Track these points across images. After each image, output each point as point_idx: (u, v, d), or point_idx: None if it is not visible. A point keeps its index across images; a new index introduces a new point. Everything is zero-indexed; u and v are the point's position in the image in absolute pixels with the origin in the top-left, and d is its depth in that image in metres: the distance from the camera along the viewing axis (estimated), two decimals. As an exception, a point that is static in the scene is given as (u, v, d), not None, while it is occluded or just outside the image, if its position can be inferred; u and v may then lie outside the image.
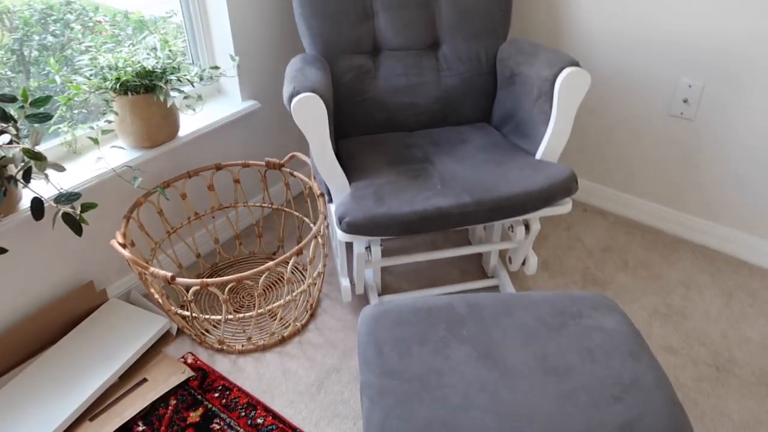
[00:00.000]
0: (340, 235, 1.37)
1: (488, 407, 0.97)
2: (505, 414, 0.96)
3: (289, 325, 1.63)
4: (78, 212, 1.33)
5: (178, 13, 1.75)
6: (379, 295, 1.74)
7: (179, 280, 1.33)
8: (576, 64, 1.42)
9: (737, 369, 1.52)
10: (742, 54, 1.63)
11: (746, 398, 1.44)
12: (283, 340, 1.61)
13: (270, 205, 1.83)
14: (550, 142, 1.49)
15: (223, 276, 1.82)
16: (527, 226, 1.57)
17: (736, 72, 1.67)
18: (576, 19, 1.88)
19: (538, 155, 1.52)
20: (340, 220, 1.33)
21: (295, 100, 1.31)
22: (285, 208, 1.84)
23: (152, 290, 1.45)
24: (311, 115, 1.33)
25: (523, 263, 1.72)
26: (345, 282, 1.67)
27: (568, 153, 2.14)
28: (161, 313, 1.59)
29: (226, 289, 1.38)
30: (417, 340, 1.11)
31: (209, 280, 1.32)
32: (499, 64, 1.70)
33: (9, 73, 1.63)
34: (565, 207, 1.46)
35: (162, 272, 1.32)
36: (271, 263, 1.36)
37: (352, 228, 1.32)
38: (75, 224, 1.32)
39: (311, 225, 1.82)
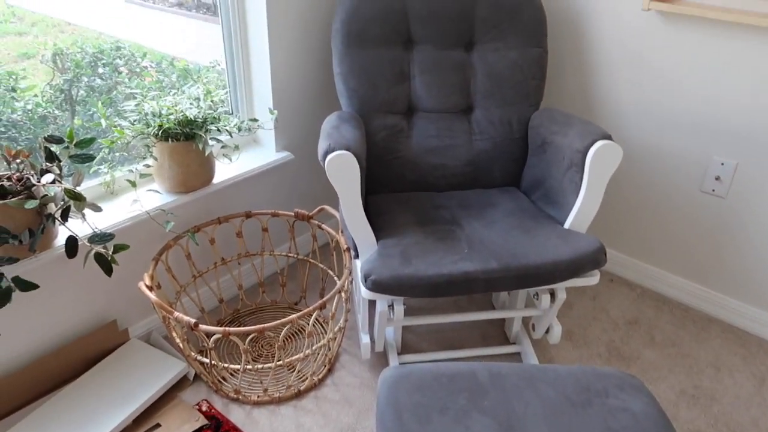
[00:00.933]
0: (364, 293, 1.37)
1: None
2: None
3: (306, 378, 1.61)
4: (110, 253, 1.36)
5: (221, 63, 1.82)
6: (398, 354, 1.72)
7: (202, 327, 1.33)
8: (608, 137, 1.43)
9: (769, 460, 1.45)
10: (777, 135, 1.63)
11: (779, 493, 1.37)
12: (299, 394, 1.59)
13: (296, 255, 1.84)
14: (580, 213, 1.48)
15: (244, 323, 1.82)
16: (553, 295, 1.55)
17: (771, 152, 1.66)
18: (607, 90, 1.90)
19: (567, 224, 1.51)
20: (365, 278, 1.33)
21: (329, 156, 1.34)
22: (310, 259, 1.85)
23: (174, 334, 1.46)
24: (344, 172, 1.35)
25: (547, 331, 1.69)
26: (365, 339, 1.65)
27: (598, 221, 2.12)
28: (180, 357, 1.59)
29: (248, 339, 1.37)
30: (437, 408, 1.08)
31: (231, 329, 1.32)
32: (530, 131, 1.72)
33: (56, 111, 1.70)
34: (592, 279, 1.44)
35: (186, 318, 1.33)
36: (293, 316, 1.36)
37: (377, 286, 1.32)
38: (106, 265, 1.34)
39: (335, 278, 1.82)
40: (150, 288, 1.42)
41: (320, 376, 1.64)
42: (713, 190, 1.79)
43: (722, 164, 1.74)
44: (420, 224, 1.53)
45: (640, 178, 1.95)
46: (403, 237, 1.46)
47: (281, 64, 1.77)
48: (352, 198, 1.38)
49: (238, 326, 1.82)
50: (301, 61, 1.83)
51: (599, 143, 1.42)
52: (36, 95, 1.64)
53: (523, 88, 1.73)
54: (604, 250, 1.40)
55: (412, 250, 1.39)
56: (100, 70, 1.76)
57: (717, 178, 1.77)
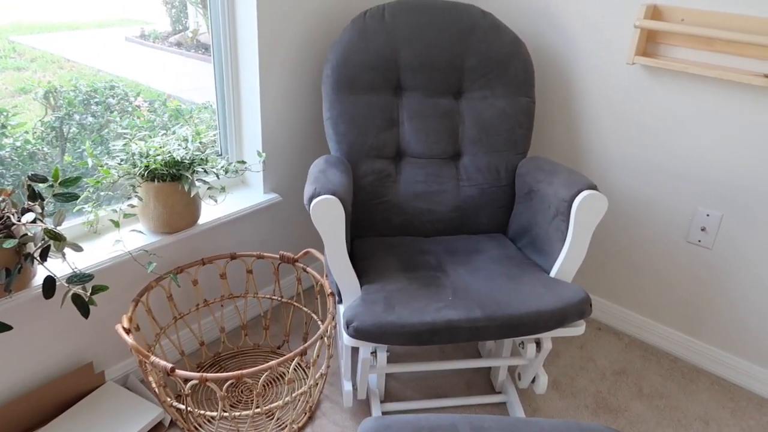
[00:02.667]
0: (346, 339, 1.34)
1: None
2: None
3: (286, 427, 1.57)
4: (88, 294, 1.33)
5: (213, 104, 1.84)
6: (381, 401, 1.68)
7: (179, 372, 1.30)
8: (594, 187, 1.44)
9: None
10: (755, 188, 1.65)
11: None
12: (278, 443, 1.54)
13: (280, 298, 1.82)
14: (565, 262, 1.48)
15: (224, 367, 1.78)
16: (538, 344, 1.53)
17: (751, 205, 1.67)
18: (593, 141, 1.93)
19: (553, 273, 1.51)
20: (347, 324, 1.31)
21: (315, 201, 1.33)
22: (294, 303, 1.82)
23: (150, 379, 1.42)
24: (329, 217, 1.34)
25: (533, 381, 1.66)
26: (347, 386, 1.62)
27: (585, 268, 2.12)
28: (156, 402, 1.55)
29: (225, 386, 1.34)
30: (416, 463, 1.05)
31: (208, 375, 1.29)
32: (518, 178, 1.73)
33: (46, 148, 1.70)
34: (577, 329, 1.42)
35: (162, 363, 1.30)
36: (273, 362, 1.33)
37: (359, 333, 1.30)
38: (83, 306, 1.31)
39: (319, 322, 1.79)
40: (128, 330, 1.39)
41: (300, 425, 1.59)
42: (699, 241, 1.80)
43: (708, 215, 1.75)
44: (405, 270, 1.52)
45: (626, 226, 1.95)
46: (388, 283, 1.44)
47: (271, 106, 1.78)
48: (337, 243, 1.37)
49: (219, 370, 1.78)
50: (291, 104, 1.85)
51: (584, 193, 1.42)
52: (27, 131, 1.64)
53: (511, 136, 1.75)
54: (589, 301, 1.39)
55: (395, 297, 1.38)
56: (93, 108, 1.77)
57: (703, 229, 1.77)
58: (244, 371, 1.31)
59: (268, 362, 1.83)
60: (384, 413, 1.65)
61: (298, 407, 1.62)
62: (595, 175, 1.96)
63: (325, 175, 1.46)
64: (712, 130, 1.69)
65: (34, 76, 1.65)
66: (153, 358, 1.31)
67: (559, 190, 1.49)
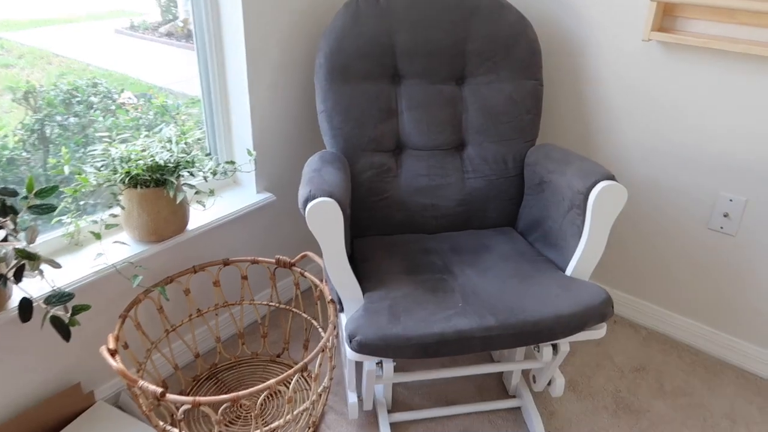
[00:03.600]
0: (349, 354, 1.24)
1: None
2: None
3: (289, 443, 1.48)
4: (69, 315, 1.23)
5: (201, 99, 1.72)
6: (389, 411, 1.58)
7: (170, 396, 1.20)
8: (611, 177, 1.33)
9: None
10: (788, 170, 1.54)
11: None
12: (281, 460, 1.45)
13: (277, 304, 1.72)
14: (582, 259, 1.37)
15: (221, 379, 1.69)
16: (555, 347, 1.43)
17: (782, 188, 1.56)
18: (606, 125, 1.81)
19: (569, 271, 1.40)
20: (350, 338, 1.21)
21: (310, 204, 1.22)
22: (293, 308, 1.72)
23: (140, 402, 1.32)
24: (326, 222, 1.24)
25: (549, 383, 1.56)
26: (352, 398, 1.52)
27: (600, 259, 2.01)
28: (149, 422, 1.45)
29: (221, 410, 1.24)
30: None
31: (202, 399, 1.19)
32: (527, 168, 1.61)
33: (24, 154, 1.59)
34: (598, 332, 1.32)
35: (152, 388, 1.20)
36: (271, 382, 1.23)
37: (363, 348, 1.20)
38: (63, 329, 1.21)
39: (319, 329, 1.69)
40: (113, 352, 1.29)
41: (304, 440, 1.50)
42: (721, 228, 1.69)
43: (731, 200, 1.64)
44: (409, 272, 1.42)
45: (643, 214, 1.84)
46: (392, 289, 1.34)
47: (261, 99, 1.67)
48: (336, 249, 1.26)
49: (216, 383, 1.68)
50: (283, 97, 1.73)
51: (602, 184, 1.31)
52: (6, 135, 1.53)
53: (518, 122, 1.63)
54: (611, 302, 1.28)
55: (400, 305, 1.27)
56: (75, 108, 1.66)
57: (725, 215, 1.66)
58: (240, 393, 1.21)
59: (267, 371, 1.74)
60: (392, 424, 1.56)
61: (300, 422, 1.52)
62: (609, 162, 1.84)
63: (321, 174, 1.35)
64: (735, 110, 1.57)
65: (22, 73, 1.55)
66: (141, 382, 1.21)
67: (573, 181, 1.38)
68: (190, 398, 1.20)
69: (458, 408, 1.59)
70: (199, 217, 1.61)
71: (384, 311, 1.25)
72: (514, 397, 1.66)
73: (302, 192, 1.28)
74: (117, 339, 1.35)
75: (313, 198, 1.24)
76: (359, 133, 1.58)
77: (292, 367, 1.74)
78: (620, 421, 1.59)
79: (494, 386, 1.70)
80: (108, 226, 1.40)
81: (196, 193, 1.48)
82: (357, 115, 1.58)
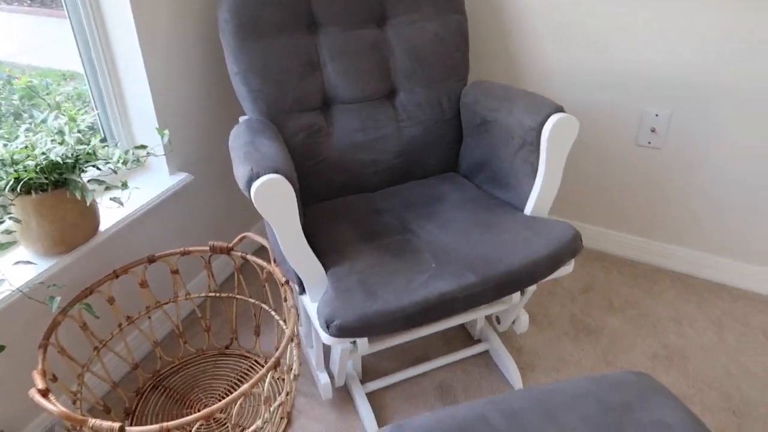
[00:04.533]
0: (326, 339, 1.13)
1: None
2: None
3: (264, 440, 1.36)
4: (-20, 362, 1.01)
5: (81, 76, 1.45)
6: (361, 383, 1.51)
7: (131, 429, 1.03)
8: (561, 109, 1.28)
9: (754, 411, 1.43)
10: (706, 80, 1.58)
11: (775, 446, 1.36)
12: (258, 459, 1.34)
13: (217, 294, 1.55)
14: (540, 197, 1.33)
15: (168, 387, 1.52)
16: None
17: (700, 100, 1.61)
18: (534, 55, 1.76)
19: (528, 210, 1.36)
20: (327, 324, 1.10)
21: (256, 185, 1.06)
22: (237, 296, 1.56)
23: (90, 437, 1.14)
24: (277, 202, 1.09)
25: (513, 322, 1.55)
26: (323, 378, 1.43)
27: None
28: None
29: (194, 429, 1.10)
30: (458, 476, 0.90)
31: (170, 424, 1.04)
32: (464, 109, 1.53)
33: None
34: (568, 268, 1.31)
35: (106, 425, 1.02)
36: (244, 388, 1.10)
37: (344, 332, 1.09)
38: (-22, 380, 0.99)
39: (272, 312, 1.55)
40: (45, 392, 1.08)
41: (280, 433, 1.39)
42: (649, 143, 1.73)
43: (656, 115, 1.68)
44: (366, 239, 1.31)
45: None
46: (354, 260, 1.23)
47: (160, 69, 1.43)
48: (291, 229, 1.13)
49: (163, 392, 1.51)
50: (187, 63, 1.50)
51: (554, 118, 1.26)
52: None
53: (448, 61, 1.53)
54: (579, 237, 1.26)
55: (371, 278, 1.17)
56: None
57: (652, 130, 1.70)
58: (213, 408, 1.07)
59: (218, 367, 1.59)
60: (368, 394, 1.49)
61: (275, 417, 1.41)
62: (539, 89, 1.81)
63: (256, 147, 1.18)
64: (654, 27, 1.57)
65: None
66: (92, 421, 1.03)
67: (522, 118, 1.32)
68: (156, 427, 1.04)
69: (429, 364, 1.55)
70: (111, 214, 1.38)
71: (356, 288, 1.15)
72: (480, 341, 1.64)
73: (242, 170, 1.11)
74: (44, 374, 1.14)
75: (258, 177, 1.08)
76: (282, 93, 1.41)
77: (245, 357, 1.61)
78: (583, 344, 1.63)
79: (458, 334, 1.68)
80: (2, 246, 1.15)
81: (107, 188, 1.26)
82: (276, 74, 1.40)
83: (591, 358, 1.59)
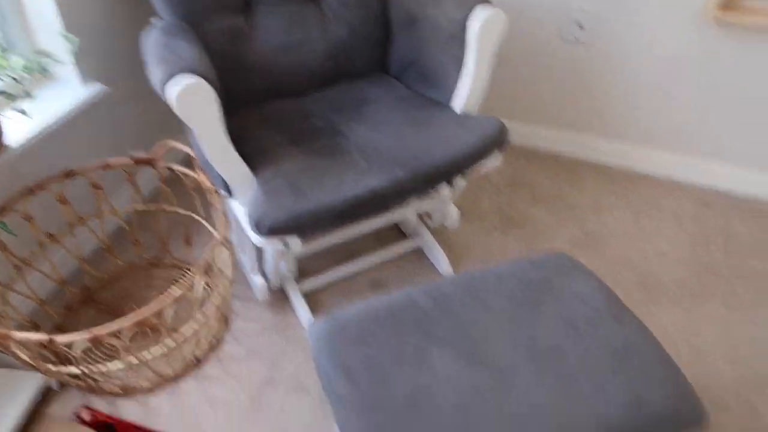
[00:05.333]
0: (257, 241, 1.14)
1: (490, 414, 0.86)
2: (510, 416, 0.85)
3: (203, 343, 1.38)
4: None
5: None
6: (297, 282, 1.53)
7: (59, 339, 1.02)
8: (487, 1, 1.26)
9: (663, 286, 1.57)
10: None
11: (677, 310, 1.49)
12: (198, 363, 1.37)
13: (143, 206, 1.51)
14: (470, 93, 1.34)
15: (100, 301, 1.50)
16: (450, 182, 1.44)
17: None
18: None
19: (458, 108, 1.37)
20: (257, 226, 1.09)
21: (174, 88, 1.01)
22: (164, 206, 1.53)
23: (19, 353, 1.12)
24: (199, 106, 1.04)
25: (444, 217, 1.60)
26: (258, 279, 1.44)
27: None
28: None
29: (127, 334, 1.09)
30: (391, 357, 0.95)
31: (99, 333, 1.03)
32: (393, 6, 1.48)
33: None
34: (495, 160, 1.34)
35: (35, 337, 1.01)
36: (177, 293, 1.10)
37: (274, 231, 1.09)
38: None
39: (201, 220, 1.53)
40: (-33, 310, 1.05)
41: (218, 336, 1.42)
42: (576, 38, 1.74)
43: (583, 10, 1.68)
44: (296, 142, 1.29)
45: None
46: (283, 163, 1.21)
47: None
48: (214, 133, 1.09)
49: (95, 306, 1.49)
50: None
51: (479, 10, 1.24)
52: None
53: (371, -47, 1.46)
54: (506, 131, 1.29)
55: (301, 179, 1.16)
56: None
57: (580, 27, 1.71)
58: (144, 311, 1.07)
59: (152, 278, 1.58)
60: (304, 294, 1.52)
61: (210, 321, 1.42)
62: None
63: (171, 50, 1.11)
64: None
65: None
66: (18, 334, 1.01)
67: (449, 11, 1.30)
68: (85, 333, 1.03)
69: (363, 261, 1.58)
70: (19, 130, 1.29)
71: (285, 189, 1.14)
72: (412, 236, 1.69)
73: (157, 74, 1.05)
74: (-36, 294, 1.10)
75: (172, 77, 1.02)
76: (195, -12, 1.32)
77: (178, 267, 1.59)
78: (510, 236, 1.71)
79: (392, 234, 1.71)
80: None
81: (8, 97, 1.17)
82: (187, -33, 1.30)
83: (516, 248, 1.67)
